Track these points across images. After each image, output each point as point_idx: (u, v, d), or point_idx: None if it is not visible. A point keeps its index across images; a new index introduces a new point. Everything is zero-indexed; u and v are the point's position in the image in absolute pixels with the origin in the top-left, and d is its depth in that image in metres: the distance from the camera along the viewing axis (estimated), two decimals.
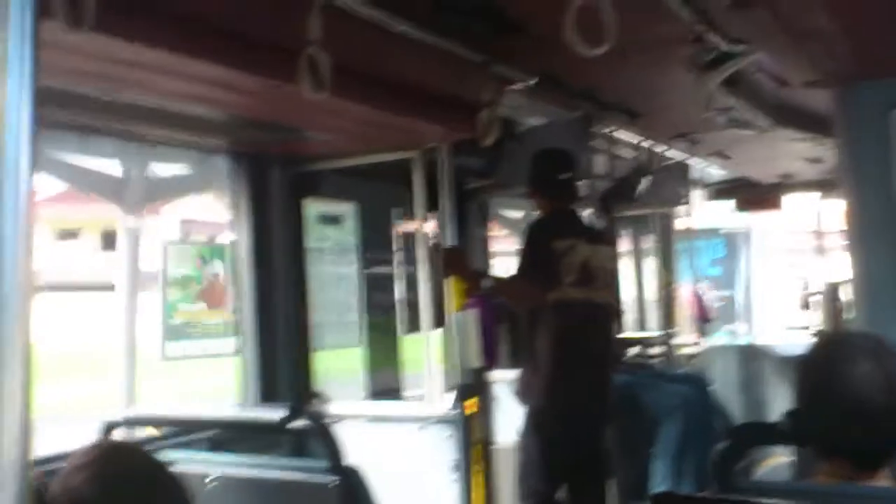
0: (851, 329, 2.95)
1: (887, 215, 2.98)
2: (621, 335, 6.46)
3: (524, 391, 3.95)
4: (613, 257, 4.21)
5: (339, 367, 4.56)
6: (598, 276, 3.94)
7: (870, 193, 3.05)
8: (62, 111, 2.98)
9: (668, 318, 6.00)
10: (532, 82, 3.38)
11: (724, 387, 6.55)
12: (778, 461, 5.32)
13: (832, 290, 6.75)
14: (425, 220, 3.82)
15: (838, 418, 1.66)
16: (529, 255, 3.84)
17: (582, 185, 4.77)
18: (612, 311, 4.23)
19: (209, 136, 3.61)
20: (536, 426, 3.84)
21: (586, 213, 4.63)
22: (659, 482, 4.67)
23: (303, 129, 3.56)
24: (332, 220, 4.56)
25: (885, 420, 1.62)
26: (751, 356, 6.90)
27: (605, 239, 4.22)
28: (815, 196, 7.42)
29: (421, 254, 3.80)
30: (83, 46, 2.21)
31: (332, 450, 2.15)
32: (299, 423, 2.24)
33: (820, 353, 1.80)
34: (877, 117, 3.17)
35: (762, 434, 1.79)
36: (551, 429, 3.82)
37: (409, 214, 4.12)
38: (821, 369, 1.75)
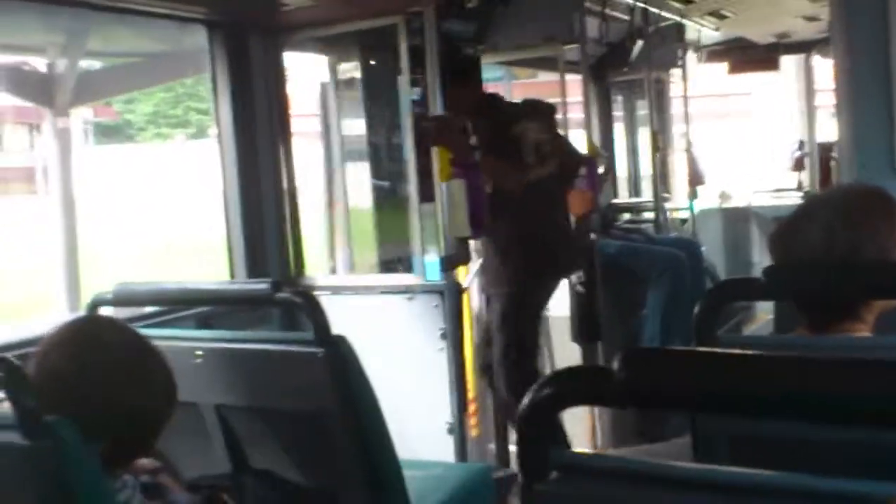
0: (844, 185, 2.92)
1: (878, 73, 2.90)
2: (614, 200, 6.48)
3: (493, 282, 3.96)
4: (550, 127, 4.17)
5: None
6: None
7: (861, 50, 2.95)
8: None
9: (660, 183, 5.97)
10: None
11: (716, 249, 6.60)
12: (768, 318, 5.41)
13: (824, 150, 6.70)
14: (411, 87, 3.72)
15: (795, 272, 1.69)
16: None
17: (576, 50, 4.67)
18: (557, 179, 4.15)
19: (184, 4, 3.49)
20: (517, 309, 3.88)
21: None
22: (647, 342, 4.75)
23: None
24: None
25: (831, 269, 1.65)
26: (742, 218, 6.91)
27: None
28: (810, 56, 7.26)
29: (406, 123, 3.73)
30: None
31: (317, 320, 2.15)
32: (284, 296, 2.24)
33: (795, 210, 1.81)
34: None
35: (741, 290, 1.82)
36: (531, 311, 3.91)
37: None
38: (782, 224, 1.78)
